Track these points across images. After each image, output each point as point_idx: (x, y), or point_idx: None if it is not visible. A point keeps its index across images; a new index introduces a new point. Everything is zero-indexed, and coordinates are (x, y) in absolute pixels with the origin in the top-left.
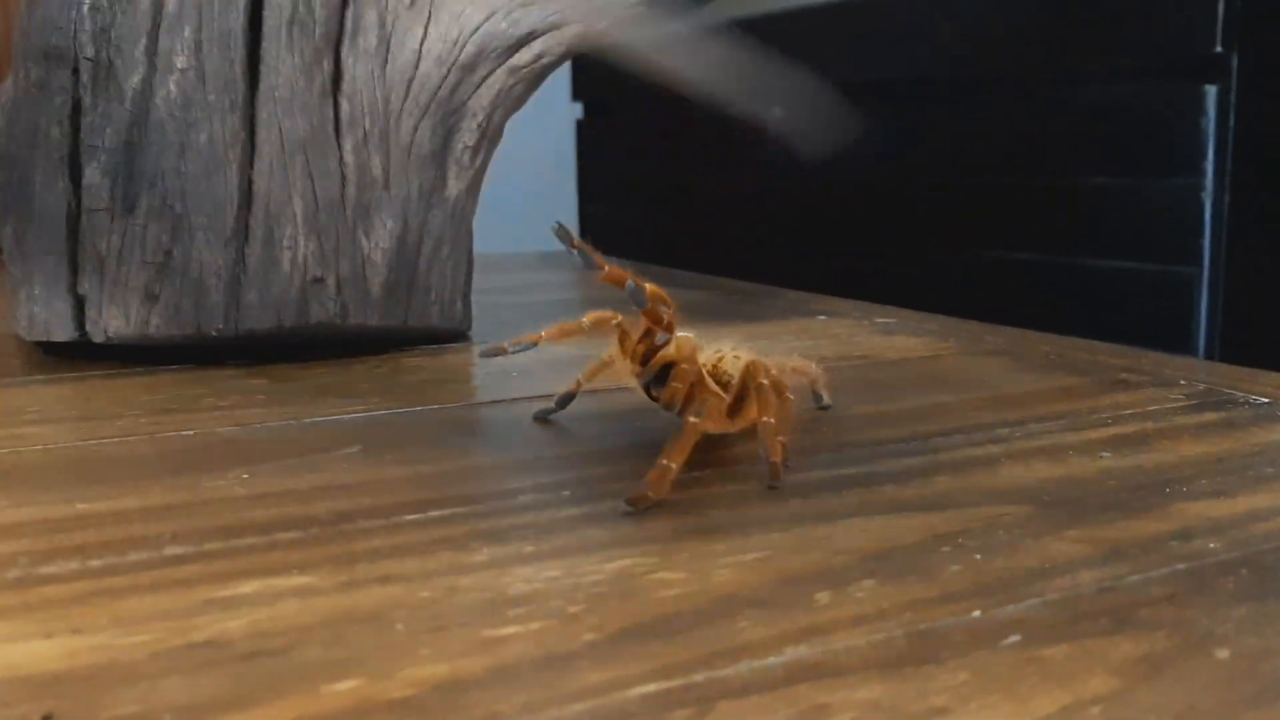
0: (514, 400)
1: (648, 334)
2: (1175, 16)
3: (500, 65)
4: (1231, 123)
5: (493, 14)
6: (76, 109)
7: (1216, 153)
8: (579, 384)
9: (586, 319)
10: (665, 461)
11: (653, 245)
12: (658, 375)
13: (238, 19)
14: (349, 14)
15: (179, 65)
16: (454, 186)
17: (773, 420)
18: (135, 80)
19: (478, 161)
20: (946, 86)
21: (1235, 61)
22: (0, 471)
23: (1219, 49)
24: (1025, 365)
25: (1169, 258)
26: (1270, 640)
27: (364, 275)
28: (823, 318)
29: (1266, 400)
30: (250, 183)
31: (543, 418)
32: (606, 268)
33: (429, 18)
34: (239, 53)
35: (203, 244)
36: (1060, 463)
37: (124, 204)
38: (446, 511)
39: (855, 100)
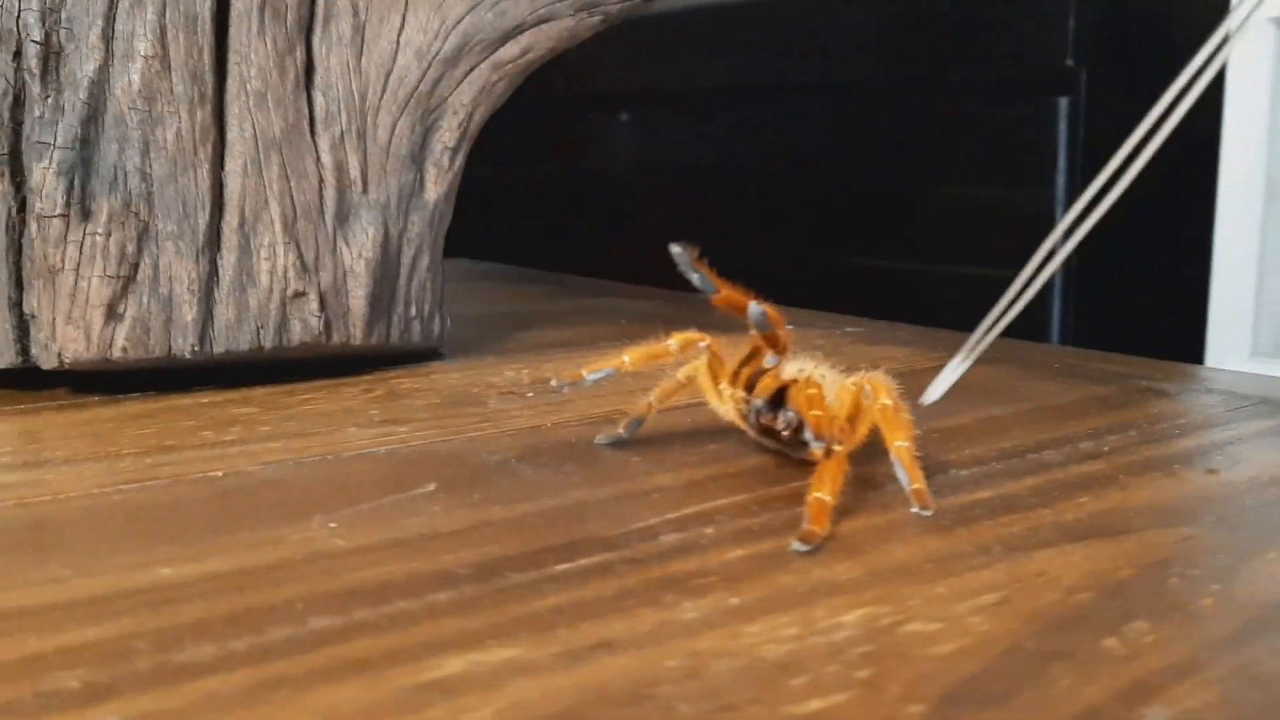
0: (555, 425)
1: (752, 357)
2: (1029, 32)
3: (484, 60)
4: (1082, 134)
5: (477, 4)
6: (17, 100)
7: (1068, 163)
8: (650, 407)
9: (673, 342)
10: (820, 495)
11: (507, 247)
12: (770, 400)
13: (204, 1)
14: None
15: (141, 51)
16: (432, 190)
17: (908, 443)
18: (91, 68)
19: (456, 163)
20: (814, 94)
21: (1085, 75)
22: (27, 528)
23: (1070, 63)
24: (1036, 374)
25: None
26: None
27: (346, 288)
28: (791, 327)
29: None
30: (222, 185)
31: (609, 443)
32: (723, 290)
33: (405, 6)
34: (207, 39)
35: (172, 254)
36: (1173, 476)
37: (81, 209)
38: (597, 558)
39: (724, 104)
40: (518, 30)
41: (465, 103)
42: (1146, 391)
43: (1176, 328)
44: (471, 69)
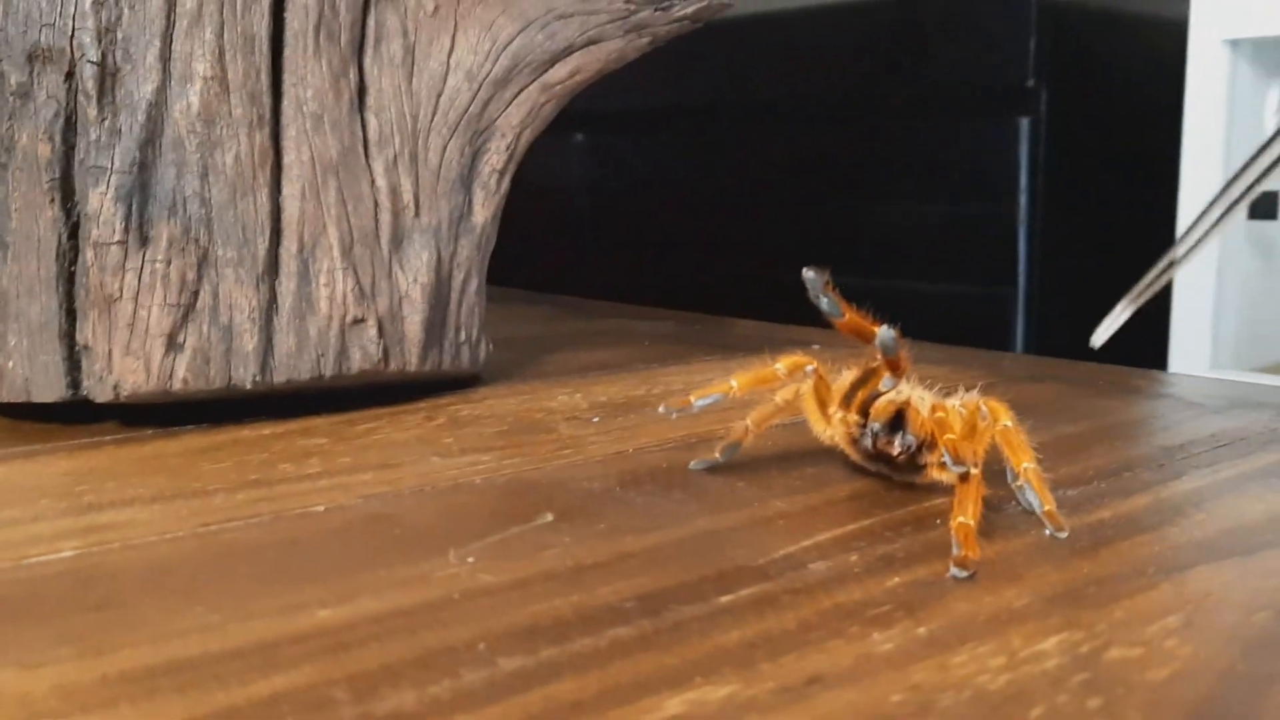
0: (637, 451)
1: (866, 380)
2: (992, 53)
3: (533, 81)
4: (1042, 152)
5: (527, 25)
6: (69, 123)
7: (1030, 180)
8: (748, 431)
9: (781, 365)
10: (965, 520)
11: None
12: (890, 424)
13: (262, 20)
14: (370, 19)
15: (200, 73)
16: (480, 214)
17: (1034, 464)
18: (149, 90)
19: (503, 186)
20: (777, 112)
21: (1045, 95)
22: (148, 572)
23: (1031, 83)
24: (1086, 391)
25: (988, 279)
26: None
27: (402, 314)
28: (817, 346)
29: None
30: (280, 210)
31: (706, 468)
32: (849, 315)
33: (455, 26)
34: (264, 60)
35: (232, 281)
36: (1275, 491)
37: (139, 236)
38: (756, 589)
39: (687, 123)
40: (567, 52)
41: (514, 125)
42: (1192, 406)
43: (1139, 339)
44: (520, 90)
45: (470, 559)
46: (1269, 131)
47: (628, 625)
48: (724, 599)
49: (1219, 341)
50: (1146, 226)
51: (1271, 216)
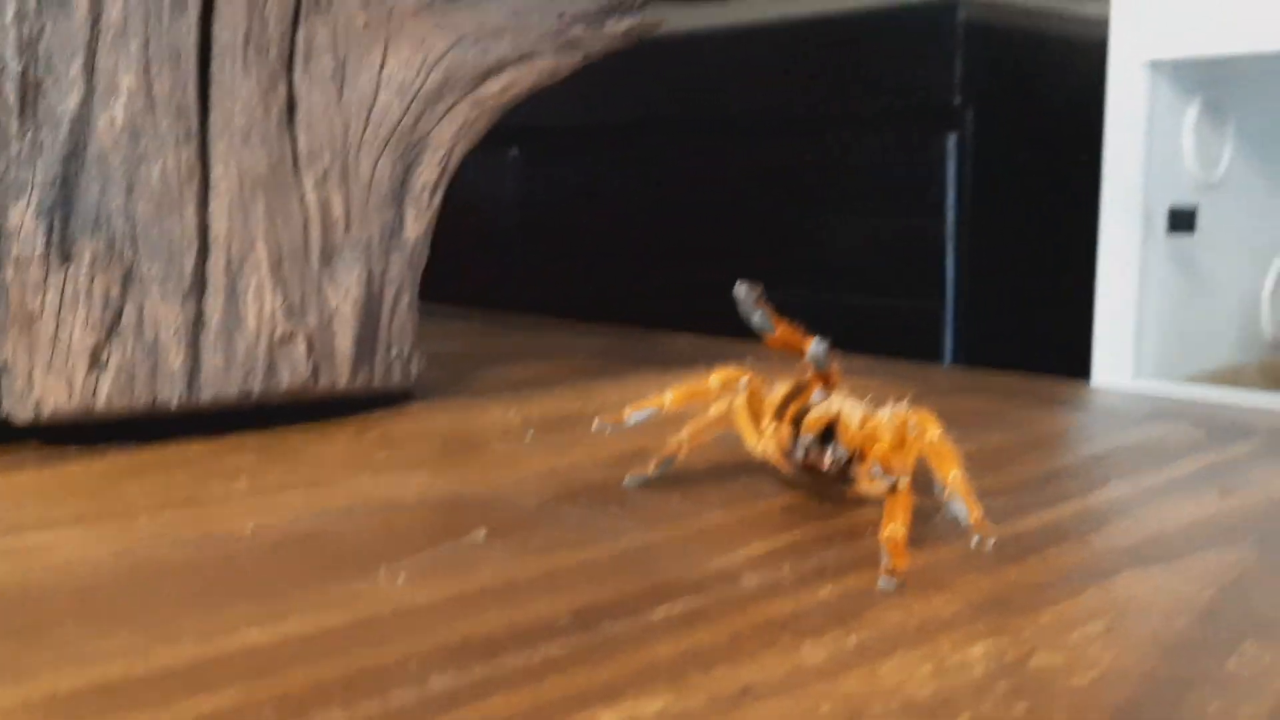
0: (573, 467)
1: (798, 393)
2: (920, 72)
3: (466, 96)
4: (969, 168)
5: (460, 40)
6: None
7: (956, 196)
8: (681, 445)
9: (714, 379)
10: (893, 530)
11: None
12: (820, 436)
13: (189, 34)
14: (300, 34)
15: (125, 86)
16: (412, 229)
17: (961, 473)
18: (72, 103)
19: (435, 201)
20: (709, 128)
21: (971, 113)
22: (71, 595)
23: (957, 102)
24: (1016, 402)
25: (917, 293)
26: None
27: (332, 330)
28: (751, 359)
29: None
30: (207, 226)
31: (640, 483)
32: (780, 330)
33: (386, 41)
34: (191, 74)
35: (158, 298)
36: (1195, 499)
37: (61, 252)
38: (690, 602)
39: (618, 139)
40: (500, 67)
41: (446, 139)
42: (1121, 418)
43: (1064, 350)
44: (453, 105)
45: (401, 577)
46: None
47: (560, 640)
48: (657, 613)
49: (1141, 353)
50: (1069, 241)
51: (1190, 230)
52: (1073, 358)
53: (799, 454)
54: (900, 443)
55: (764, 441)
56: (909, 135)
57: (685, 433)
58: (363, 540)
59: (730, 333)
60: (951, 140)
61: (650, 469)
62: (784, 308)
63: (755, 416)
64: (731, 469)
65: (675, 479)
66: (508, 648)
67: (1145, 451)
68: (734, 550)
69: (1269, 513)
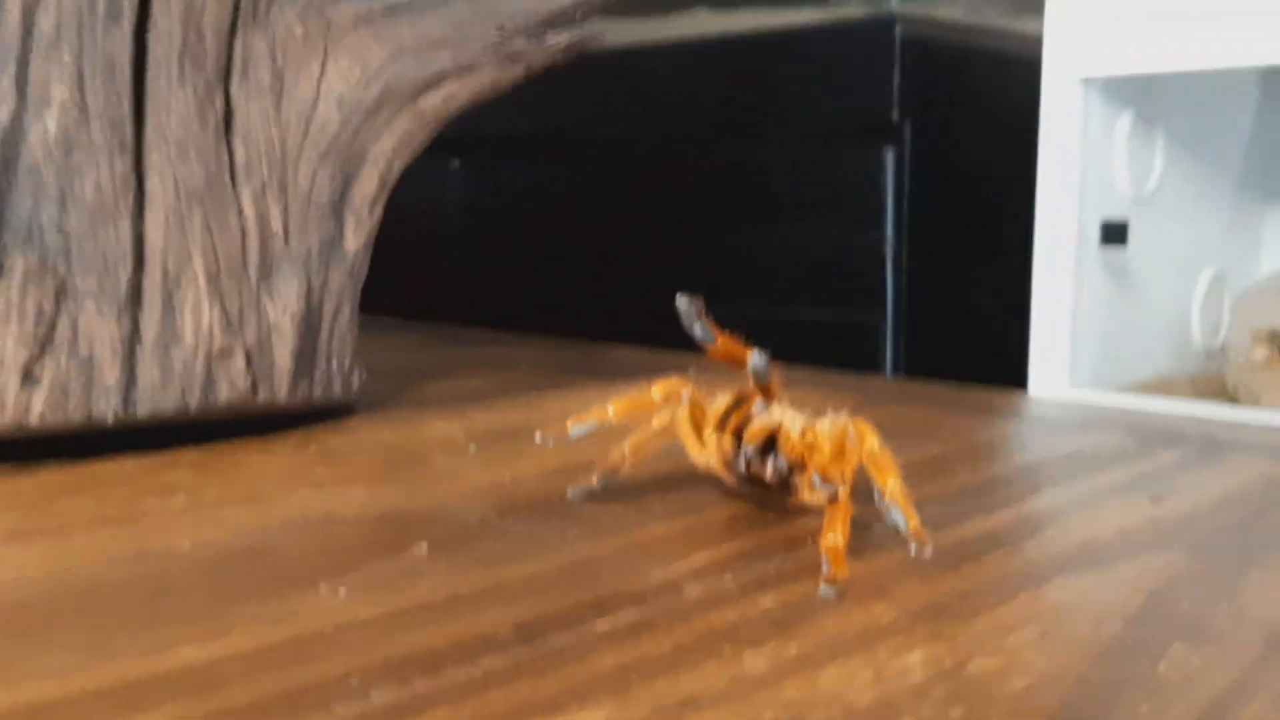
0: (515, 481)
1: (739, 404)
2: (858, 87)
3: (405, 108)
4: (907, 181)
5: (399, 53)
6: None
7: (895, 209)
8: (624, 458)
9: (656, 391)
10: (833, 539)
11: None
12: (762, 447)
13: (123, 45)
14: (238, 45)
15: (58, 98)
16: (352, 241)
17: (899, 482)
18: (3, 115)
19: (375, 213)
20: (651, 141)
21: (909, 129)
22: (3, 614)
23: (895, 117)
24: (954, 411)
25: (857, 305)
26: None
27: (271, 344)
28: (693, 371)
29: (1192, 432)
30: (142, 239)
31: (583, 495)
32: (721, 342)
33: (325, 53)
34: (126, 86)
35: (92, 313)
36: (1126, 505)
37: None
38: (633, 614)
39: (562, 151)
40: (440, 79)
41: (385, 151)
42: (1055, 427)
43: (1002, 361)
44: (392, 118)
45: (342, 592)
46: (1118, 162)
47: (502, 654)
48: (600, 624)
49: (1077, 363)
50: (1006, 252)
51: (1122, 242)
52: (1011, 368)
53: (741, 465)
54: (840, 453)
55: (706, 452)
56: (848, 150)
57: (628, 445)
58: (303, 556)
59: (672, 344)
60: (890, 155)
61: (594, 481)
62: (725, 320)
63: (698, 428)
64: (674, 480)
65: (618, 491)
66: (450, 661)
67: (1078, 460)
68: (676, 561)
69: (1197, 519)
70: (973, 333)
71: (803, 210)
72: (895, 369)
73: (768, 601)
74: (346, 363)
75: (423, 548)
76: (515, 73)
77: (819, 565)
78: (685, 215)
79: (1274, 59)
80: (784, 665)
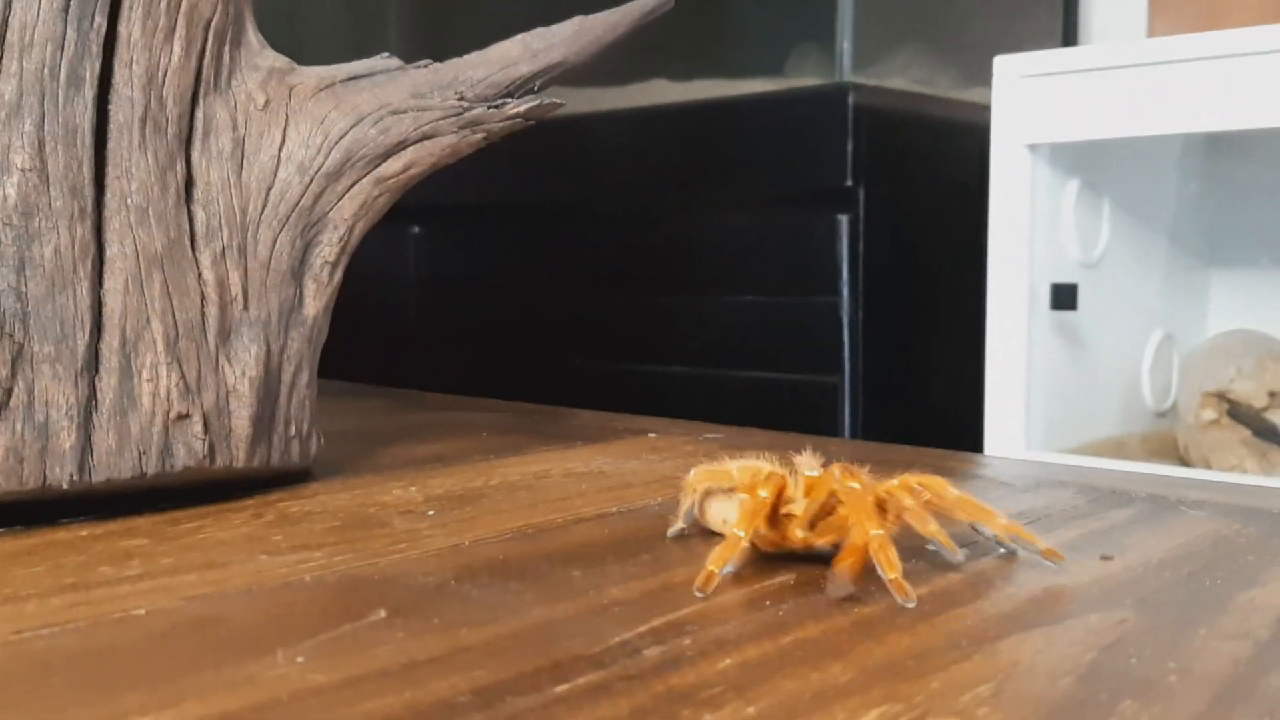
0: (474, 544)
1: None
2: (812, 155)
3: (367, 175)
4: (861, 247)
5: (360, 120)
6: None
7: (850, 273)
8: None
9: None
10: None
11: None
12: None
13: (84, 113)
14: (199, 112)
15: (18, 165)
16: (312, 306)
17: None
18: None
19: (336, 278)
20: (615, 210)
21: (862, 194)
22: None
23: (849, 183)
24: (895, 472)
25: (816, 368)
26: None
27: (229, 409)
28: (653, 435)
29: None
30: (101, 304)
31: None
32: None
33: (286, 120)
34: (87, 152)
35: (49, 378)
36: (1078, 564)
37: None
38: (592, 677)
39: (523, 219)
40: (401, 146)
41: (346, 217)
42: (1009, 487)
43: (959, 423)
44: (354, 184)
45: (300, 659)
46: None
47: (461, 719)
48: (559, 688)
49: (1031, 425)
50: (961, 315)
51: (1072, 307)
52: (967, 431)
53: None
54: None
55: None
56: (804, 216)
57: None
58: (259, 623)
59: (631, 409)
60: (844, 220)
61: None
62: (689, 383)
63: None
64: (635, 541)
65: (576, 554)
66: None
67: (1030, 518)
68: (637, 623)
69: (1146, 577)
70: (930, 395)
71: (760, 276)
72: (853, 431)
73: (726, 663)
74: (305, 428)
75: (381, 613)
76: (475, 140)
77: (778, 625)
78: (643, 281)
79: (1206, 126)
80: None
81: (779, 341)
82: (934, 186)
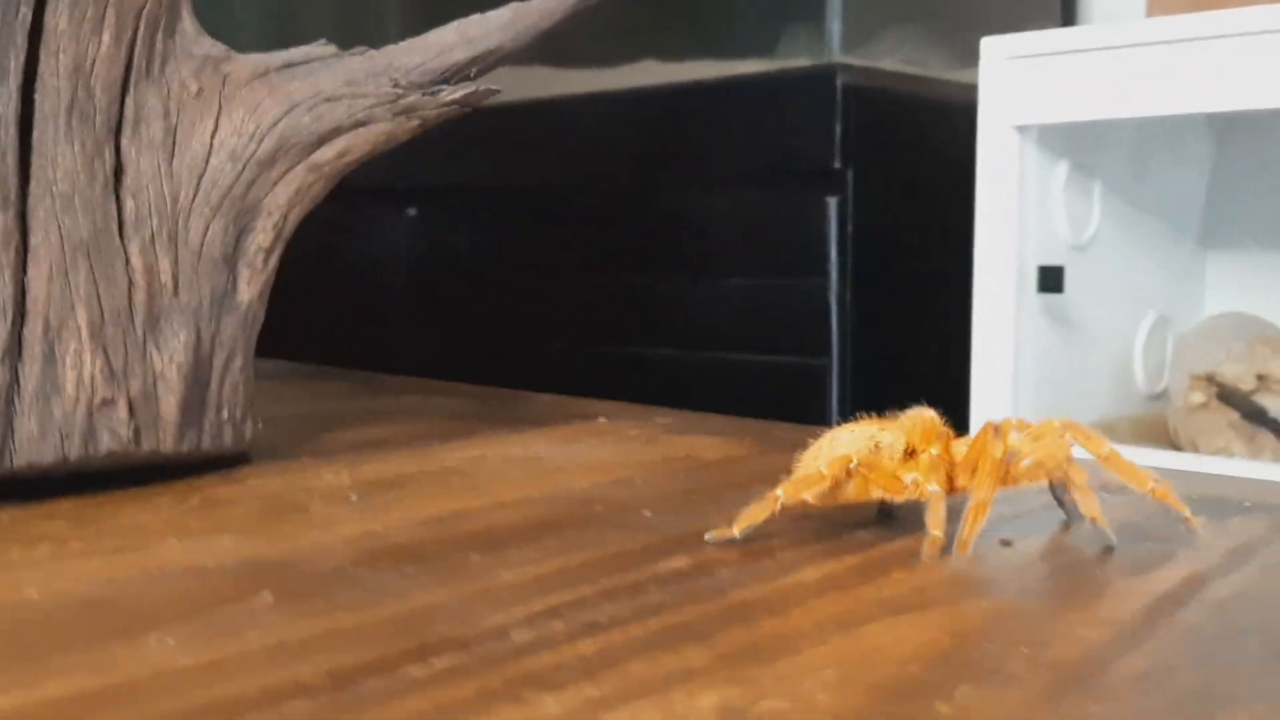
0: (388, 529)
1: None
2: (800, 137)
3: (300, 162)
4: (850, 229)
5: (293, 108)
6: None
7: (839, 256)
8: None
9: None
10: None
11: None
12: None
13: (9, 102)
14: (129, 101)
15: None
16: (246, 292)
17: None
18: None
19: (271, 264)
20: (601, 192)
21: (851, 176)
22: None
23: (838, 165)
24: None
25: (804, 350)
26: None
27: (156, 394)
28: (603, 419)
29: None
30: (25, 291)
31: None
32: None
33: (219, 108)
34: (11, 142)
35: None
36: (978, 550)
37: None
38: (451, 660)
39: (516, 200)
40: (335, 133)
41: (280, 204)
42: None
43: (946, 404)
44: (287, 171)
45: (170, 641)
46: (1056, 209)
47: (309, 700)
48: (415, 671)
49: (1018, 407)
50: (948, 298)
51: (1059, 290)
52: (956, 413)
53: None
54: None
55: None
56: (792, 197)
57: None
58: (145, 605)
59: (614, 394)
60: (833, 202)
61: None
62: (676, 367)
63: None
64: (544, 526)
65: (481, 538)
66: (253, 708)
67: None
68: (514, 607)
69: (1032, 563)
70: (918, 378)
71: (748, 258)
72: (841, 413)
73: (588, 647)
74: (239, 412)
75: (267, 597)
76: (411, 126)
77: (653, 608)
78: (630, 263)
79: (1197, 107)
80: (576, 709)
81: (767, 324)
82: (924, 168)
